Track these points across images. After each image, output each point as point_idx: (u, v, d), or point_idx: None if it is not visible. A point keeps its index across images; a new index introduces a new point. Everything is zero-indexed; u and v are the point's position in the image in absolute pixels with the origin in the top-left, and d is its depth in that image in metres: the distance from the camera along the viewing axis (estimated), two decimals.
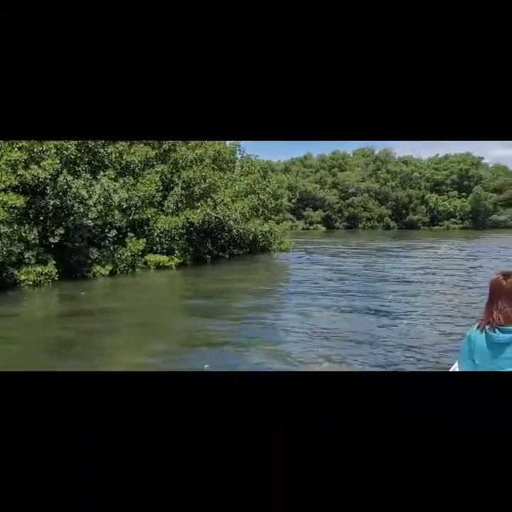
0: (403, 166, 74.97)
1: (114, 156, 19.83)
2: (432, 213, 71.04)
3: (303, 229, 66.98)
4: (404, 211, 71.78)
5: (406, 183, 72.73)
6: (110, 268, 18.41)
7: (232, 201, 23.74)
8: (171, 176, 22.39)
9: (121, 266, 18.97)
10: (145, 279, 18.96)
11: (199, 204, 22.18)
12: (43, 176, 15.75)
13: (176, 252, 21.31)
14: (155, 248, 20.95)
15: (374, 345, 8.91)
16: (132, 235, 19.81)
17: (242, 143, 29.93)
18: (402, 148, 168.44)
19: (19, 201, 15.08)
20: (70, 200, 16.50)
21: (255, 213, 26.08)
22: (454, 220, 69.99)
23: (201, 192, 22.26)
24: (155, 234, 20.80)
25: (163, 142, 22.10)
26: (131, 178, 20.26)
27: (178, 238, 21.35)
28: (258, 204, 26.36)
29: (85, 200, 16.83)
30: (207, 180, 22.23)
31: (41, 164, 15.87)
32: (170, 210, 21.66)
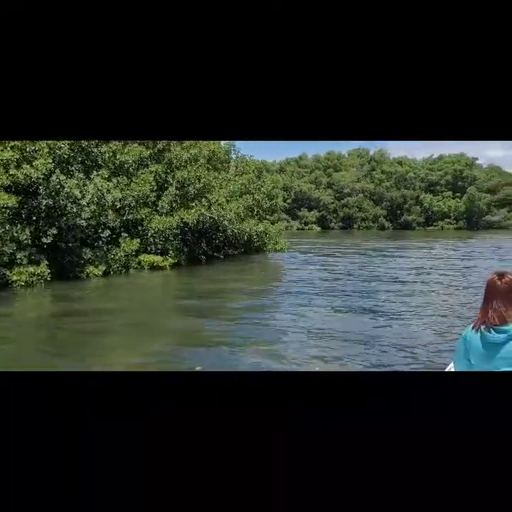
0: (398, 166, 75.27)
1: (107, 155, 19.73)
2: (427, 214, 71.37)
3: (298, 229, 67.09)
4: (398, 211, 72.06)
5: (401, 184, 73.03)
6: (103, 268, 18.32)
7: (227, 201, 23.71)
8: (166, 176, 22.34)
9: (115, 266, 18.89)
10: (139, 279, 18.89)
11: (193, 204, 22.13)
12: (36, 175, 15.64)
13: (170, 252, 21.26)
14: (149, 248, 20.87)
15: (368, 345, 8.92)
16: (126, 235, 19.72)
17: (237, 143, 30.02)
18: (397, 149, 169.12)
19: (11, 201, 14.98)
20: (62, 200, 16.38)
21: (250, 213, 26.07)
22: (448, 220, 70.35)
23: (196, 192, 22.21)
24: (149, 234, 20.73)
25: (158, 142, 22.03)
26: (125, 177, 20.17)
27: (172, 238, 21.30)
28: (253, 204, 26.36)
29: (78, 200, 16.72)
30: (201, 181, 22.18)
31: (33, 164, 15.77)
32: (164, 210, 21.60)
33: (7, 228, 14.96)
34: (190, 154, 22.49)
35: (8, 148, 15.54)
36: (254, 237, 25.58)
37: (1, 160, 15.35)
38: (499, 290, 2.55)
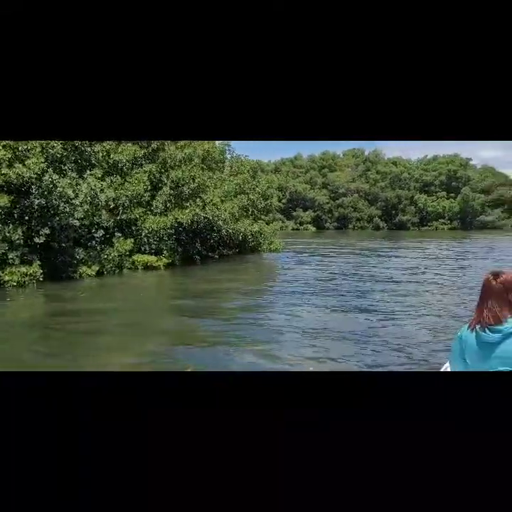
0: (393, 166, 75.43)
1: (101, 154, 19.60)
2: (421, 214, 71.59)
3: (293, 229, 67.09)
4: (393, 212, 72.24)
5: (395, 184, 73.20)
6: (97, 268, 18.21)
7: (222, 201, 23.68)
8: (160, 176, 22.25)
9: (108, 266, 18.76)
10: (133, 279, 18.82)
11: (188, 204, 22.08)
12: (28, 174, 15.50)
13: (165, 252, 21.19)
14: (143, 248, 20.78)
15: (363, 345, 8.94)
16: (120, 235, 19.61)
17: (232, 143, 29.92)
18: (392, 149, 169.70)
19: (3, 201, 14.88)
20: (55, 200, 16.23)
21: (245, 213, 26.03)
22: (442, 220, 70.59)
23: (190, 192, 22.15)
24: (143, 234, 20.63)
25: (152, 141, 21.97)
26: (118, 177, 20.08)
27: (166, 238, 21.23)
28: (248, 204, 26.31)
29: (71, 199, 16.56)
30: (196, 180, 22.12)
31: (26, 163, 15.64)
32: (158, 210, 21.52)
33: None
34: (185, 154, 22.43)
35: (0, 148, 15.42)
36: (249, 237, 25.55)
37: None
38: (494, 290, 2.56)
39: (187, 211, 21.66)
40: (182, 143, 22.77)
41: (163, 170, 22.42)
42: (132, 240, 20.05)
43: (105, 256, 18.71)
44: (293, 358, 8.12)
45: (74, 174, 17.49)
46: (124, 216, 19.99)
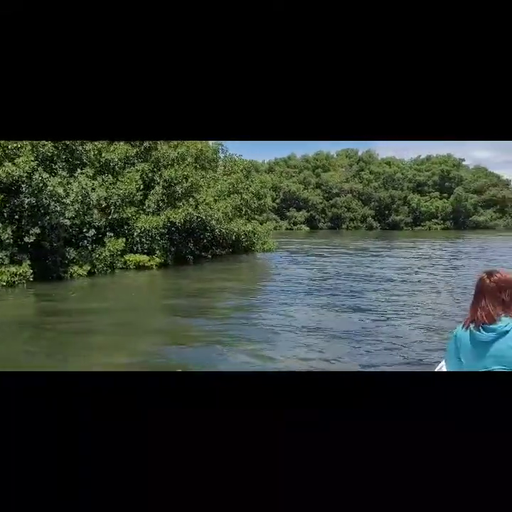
0: (386, 166, 75.66)
1: (92, 153, 19.45)
2: (414, 214, 71.87)
3: (287, 229, 67.10)
4: (387, 212, 72.47)
5: (389, 184, 73.43)
6: (88, 268, 18.06)
7: (215, 201, 23.62)
8: (152, 175, 22.15)
9: (100, 266, 18.61)
10: (124, 279, 18.70)
11: (181, 203, 22.00)
12: (18, 173, 15.34)
13: (157, 252, 21.08)
14: (135, 248, 20.64)
15: (357, 344, 8.97)
16: (111, 234, 19.47)
17: (225, 142, 29.85)
18: (385, 149, 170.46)
19: None
20: (45, 199, 16.04)
21: (238, 213, 25.98)
22: (435, 220, 70.92)
23: (183, 191, 22.07)
24: (135, 233, 20.49)
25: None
26: (110, 176, 19.94)
27: (159, 238, 21.13)
28: (241, 204, 26.25)
29: (62, 198, 16.38)
30: (189, 180, 22.05)
31: (16, 161, 15.48)
32: (151, 210, 21.43)
33: None
34: (178, 153, 22.36)
35: None
36: (243, 237, 25.51)
37: None
38: (488, 289, 2.57)
39: (180, 211, 21.59)
40: (175, 142, 22.68)
41: (155, 169, 22.32)
42: (124, 239, 19.89)
43: (97, 255, 18.56)
44: (287, 358, 8.11)
45: (65, 173, 17.33)
46: (115, 215, 19.86)
